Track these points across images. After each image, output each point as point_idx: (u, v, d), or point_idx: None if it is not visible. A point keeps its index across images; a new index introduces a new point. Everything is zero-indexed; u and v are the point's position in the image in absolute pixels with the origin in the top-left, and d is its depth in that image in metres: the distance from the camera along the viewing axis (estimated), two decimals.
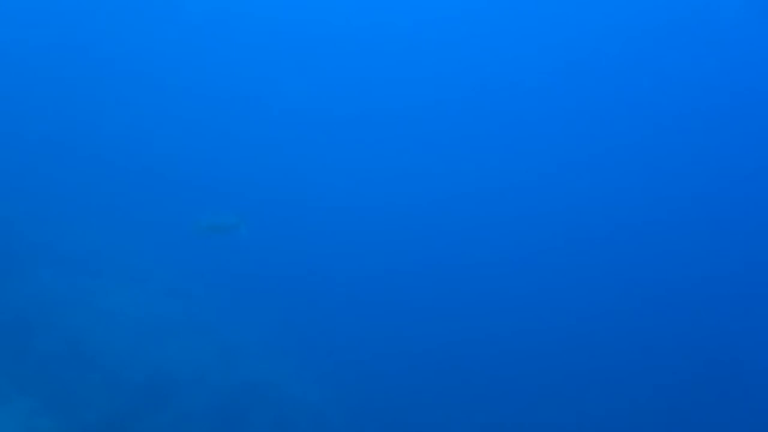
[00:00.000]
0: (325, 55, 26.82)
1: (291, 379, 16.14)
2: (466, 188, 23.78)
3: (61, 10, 25.05)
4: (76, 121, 22.64)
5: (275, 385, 15.60)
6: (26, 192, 18.90)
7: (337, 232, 21.29)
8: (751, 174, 23.93)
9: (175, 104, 24.54)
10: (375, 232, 21.85)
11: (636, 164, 24.47)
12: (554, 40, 26.73)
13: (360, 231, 21.58)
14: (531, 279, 21.06)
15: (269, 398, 15.28)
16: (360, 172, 24.21)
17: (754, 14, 24.81)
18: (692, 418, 17.19)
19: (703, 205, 23.10)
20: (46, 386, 13.48)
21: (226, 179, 22.46)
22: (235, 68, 25.98)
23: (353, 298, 19.22)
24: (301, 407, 15.66)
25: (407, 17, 27.89)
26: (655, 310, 20.52)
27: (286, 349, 17.11)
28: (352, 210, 22.58)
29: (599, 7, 26.51)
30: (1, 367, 13.40)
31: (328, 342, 17.62)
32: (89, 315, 15.23)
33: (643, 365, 18.82)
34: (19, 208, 17.98)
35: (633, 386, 17.92)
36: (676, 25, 25.80)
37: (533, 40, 26.59)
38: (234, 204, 20.80)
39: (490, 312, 20.11)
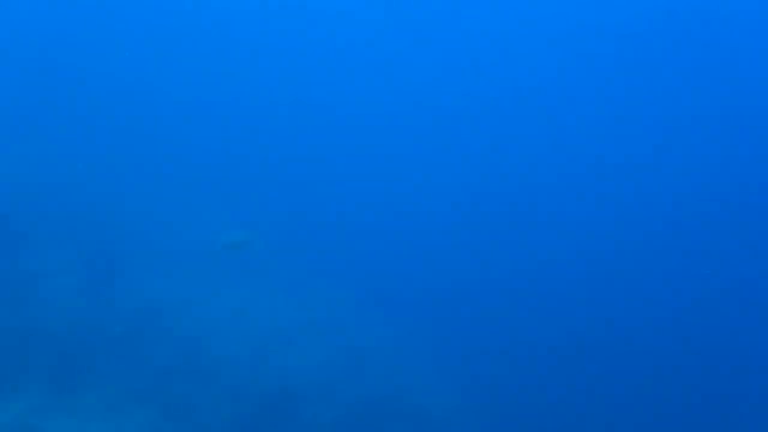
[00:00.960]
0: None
1: (427, 391, 14.50)
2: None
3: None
4: (183, 119, 21.98)
5: (409, 397, 13.99)
6: (130, 189, 18.07)
7: (474, 229, 19.68)
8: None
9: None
10: (508, 229, 20.18)
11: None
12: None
13: (494, 229, 19.91)
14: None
15: (403, 412, 13.69)
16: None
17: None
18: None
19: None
20: (164, 397, 12.35)
21: (338, 170, 21.28)
22: None
23: (493, 301, 17.47)
24: (438, 423, 14.00)
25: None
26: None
27: (421, 356, 15.49)
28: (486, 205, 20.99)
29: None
30: (116, 376, 12.32)
31: (467, 349, 15.91)
32: (205, 318, 14.05)
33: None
34: (125, 206, 17.08)
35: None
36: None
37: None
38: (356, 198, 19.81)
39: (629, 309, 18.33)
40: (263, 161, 21.13)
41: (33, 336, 12.10)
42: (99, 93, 21.03)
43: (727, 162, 22.41)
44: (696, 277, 19.35)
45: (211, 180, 19.92)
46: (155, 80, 22.68)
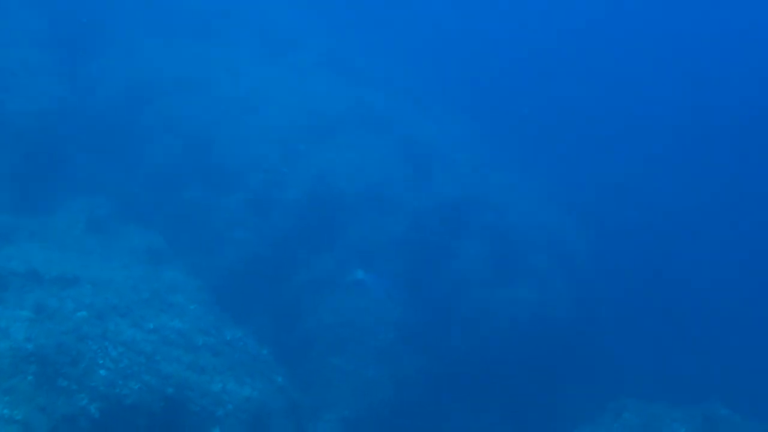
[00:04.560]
0: None
1: (510, 197, 11.31)
2: None
3: None
4: None
5: (491, 203, 10.79)
6: None
7: None
8: None
9: None
10: None
11: None
12: None
13: None
14: None
15: (484, 222, 10.51)
16: None
17: None
18: None
19: None
20: (168, 209, 9.37)
21: None
22: None
23: None
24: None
25: None
26: None
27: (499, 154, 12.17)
28: None
29: None
30: (104, 183, 9.28)
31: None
32: (216, 99, 10.59)
33: None
34: None
35: None
36: None
37: None
38: None
39: None
40: None
41: None
42: None
43: None
44: None
45: None
46: None
